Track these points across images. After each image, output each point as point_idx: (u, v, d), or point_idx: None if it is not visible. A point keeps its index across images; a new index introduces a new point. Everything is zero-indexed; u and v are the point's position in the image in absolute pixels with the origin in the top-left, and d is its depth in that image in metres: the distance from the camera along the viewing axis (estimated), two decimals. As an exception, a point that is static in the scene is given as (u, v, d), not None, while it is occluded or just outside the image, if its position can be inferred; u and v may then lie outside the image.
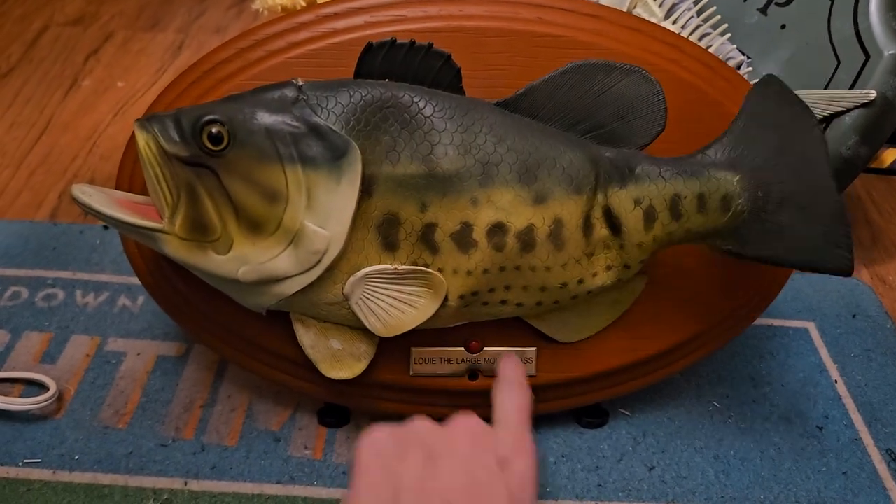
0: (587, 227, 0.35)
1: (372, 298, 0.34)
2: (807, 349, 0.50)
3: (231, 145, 0.32)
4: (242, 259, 0.33)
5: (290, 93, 0.33)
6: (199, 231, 0.33)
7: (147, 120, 0.33)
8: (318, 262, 0.33)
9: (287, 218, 0.33)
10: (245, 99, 0.33)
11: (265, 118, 0.32)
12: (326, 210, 0.33)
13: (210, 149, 0.32)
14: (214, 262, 0.33)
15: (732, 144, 0.36)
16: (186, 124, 0.32)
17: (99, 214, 0.32)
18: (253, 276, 0.33)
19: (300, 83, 0.34)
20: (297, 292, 0.34)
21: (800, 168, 0.36)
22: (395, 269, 0.34)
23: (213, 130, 0.32)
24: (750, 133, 0.36)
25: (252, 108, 0.33)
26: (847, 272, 0.36)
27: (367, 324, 0.35)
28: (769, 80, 0.37)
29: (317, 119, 0.33)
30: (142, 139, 0.32)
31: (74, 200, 0.32)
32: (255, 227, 0.33)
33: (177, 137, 0.32)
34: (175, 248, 0.33)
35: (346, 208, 0.33)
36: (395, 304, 0.35)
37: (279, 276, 0.33)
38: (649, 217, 0.36)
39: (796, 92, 0.52)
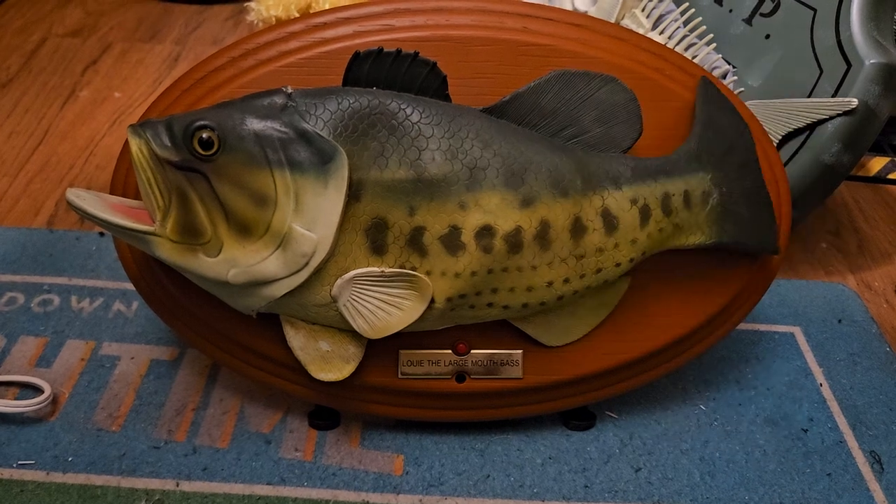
0: (577, 229, 0.36)
1: (359, 300, 0.35)
2: (792, 353, 0.51)
3: (221, 150, 0.33)
4: (232, 262, 0.34)
5: (279, 100, 0.34)
6: (190, 234, 0.34)
7: (140, 126, 0.33)
8: (306, 264, 0.34)
9: (275, 221, 0.33)
10: (235, 105, 0.34)
11: (254, 124, 0.33)
12: (314, 214, 0.34)
13: (200, 154, 0.33)
14: (205, 265, 0.34)
15: (699, 146, 0.39)
16: (178, 130, 0.33)
17: (92, 218, 0.33)
18: (242, 278, 0.34)
19: (289, 90, 0.35)
20: (286, 294, 0.35)
21: (742, 163, 0.40)
22: (382, 271, 0.35)
23: (204, 136, 0.33)
24: (708, 135, 0.39)
25: (242, 115, 0.33)
26: (777, 251, 0.41)
27: (354, 325, 0.36)
28: (705, 87, 0.40)
29: (305, 125, 0.34)
30: (134, 144, 0.33)
31: (69, 204, 0.33)
32: (244, 230, 0.33)
33: (168, 143, 0.33)
34: (166, 251, 0.34)
35: (333, 212, 0.34)
36: (382, 306, 0.35)
37: (268, 279, 0.34)
38: (644, 215, 0.38)
39: (780, 100, 0.54)
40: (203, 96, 0.39)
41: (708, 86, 0.40)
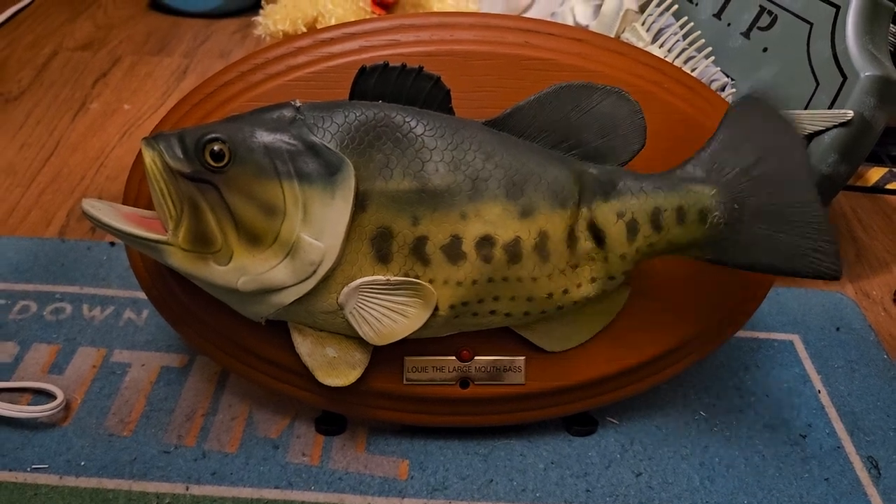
0: (572, 239, 0.37)
1: (365, 308, 0.36)
2: (791, 361, 0.52)
3: (232, 162, 0.34)
4: (242, 270, 0.35)
5: (288, 113, 0.35)
6: (201, 243, 0.35)
7: (153, 138, 0.35)
8: (314, 272, 0.35)
9: (284, 231, 0.34)
10: (245, 119, 0.35)
11: (264, 137, 0.34)
12: (321, 223, 0.35)
13: (212, 165, 0.34)
14: (215, 273, 0.35)
15: (709, 159, 0.38)
16: (190, 142, 0.34)
17: (107, 227, 0.34)
18: (252, 286, 0.35)
19: (298, 104, 0.36)
20: (294, 302, 0.36)
21: (780, 180, 0.38)
22: (388, 279, 0.36)
23: (215, 148, 0.34)
24: (728, 147, 0.38)
25: (252, 128, 0.35)
26: (834, 277, 0.37)
27: (360, 332, 0.36)
28: (755, 98, 0.38)
29: (313, 138, 0.35)
30: (148, 156, 0.34)
31: (84, 213, 0.34)
32: (253, 239, 0.35)
33: (181, 154, 0.34)
34: (178, 260, 0.35)
35: (340, 222, 0.35)
36: (388, 313, 0.36)
37: (277, 286, 0.35)
38: (632, 229, 0.37)
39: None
40: (213, 110, 0.40)
41: (755, 100, 0.38)
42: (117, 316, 0.52)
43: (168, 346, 0.50)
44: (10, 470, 0.41)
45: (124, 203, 0.41)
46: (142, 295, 0.53)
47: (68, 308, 0.52)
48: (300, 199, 0.34)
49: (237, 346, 0.42)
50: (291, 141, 0.34)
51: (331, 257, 0.35)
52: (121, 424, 0.44)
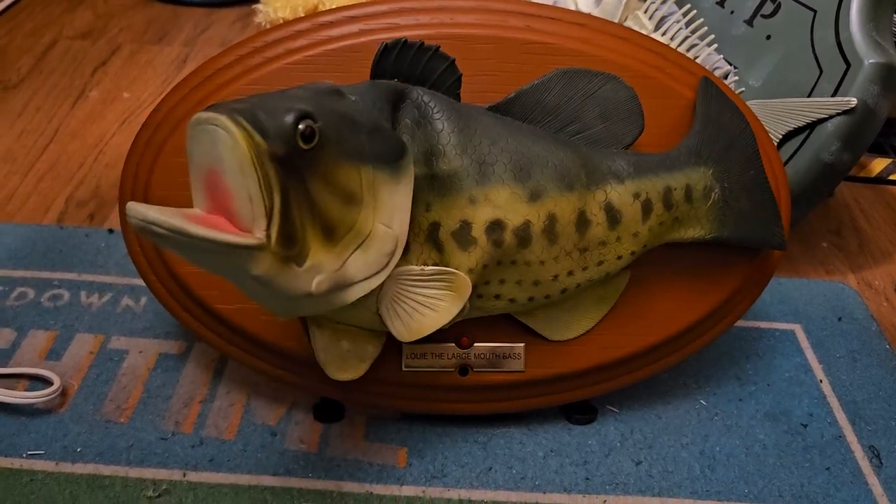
0: (581, 222, 0.37)
1: (399, 301, 0.34)
2: (793, 350, 0.51)
3: (319, 143, 0.29)
4: (317, 268, 0.29)
5: (339, 92, 0.32)
6: (289, 243, 0.28)
7: (229, 112, 0.27)
8: (387, 263, 0.32)
9: (361, 220, 0.31)
10: (308, 95, 0.30)
11: (341, 115, 0.30)
12: (391, 210, 0.32)
13: (301, 147, 0.28)
14: (295, 278, 0.28)
15: (699, 140, 0.40)
16: (279, 119, 0.28)
17: (178, 233, 0.25)
18: (326, 285, 0.29)
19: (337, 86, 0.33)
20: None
21: (743, 161, 0.41)
22: (422, 269, 0.34)
23: (302, 126, 0.28)
24: (707, 132, 0.40)
25: (326, 104, 0.30)
26: (782, 247, 0.42)
27: (391, 329, 0.34)
28: (706, 85, 0.41)
29: (380, 120, 0.32)
30: (238, 135, 0.26)
31: (137, 222, 0.25)
32: (328, 231, 0.30)
33: (273, 133, 0.27)
34: (265, 267, 0.27)
35: (405, 208, 0.32)
36: (418, 307, 0.34)
37: (349, 282, 0.31)
38: (646, 209, 0.38)
39: (780, 100, 0.54)
40: (211, 93, 0.40)
41: (709, 84, 0.41)
42: (115, 302, 0.51)
43: (166, 332, 0.49)
44: (6, 456, 0.41)
45: (121, 195, 0.40)
46: (140, 282, 0.52)
47: (66, 294, 0.52)
48: (373, 185, 0.31)
49: (235, 333, 0.41)
50: (363, 121, 0.31)
51: (401, 246, 0.32)
52: (118, 411, 0.44)
